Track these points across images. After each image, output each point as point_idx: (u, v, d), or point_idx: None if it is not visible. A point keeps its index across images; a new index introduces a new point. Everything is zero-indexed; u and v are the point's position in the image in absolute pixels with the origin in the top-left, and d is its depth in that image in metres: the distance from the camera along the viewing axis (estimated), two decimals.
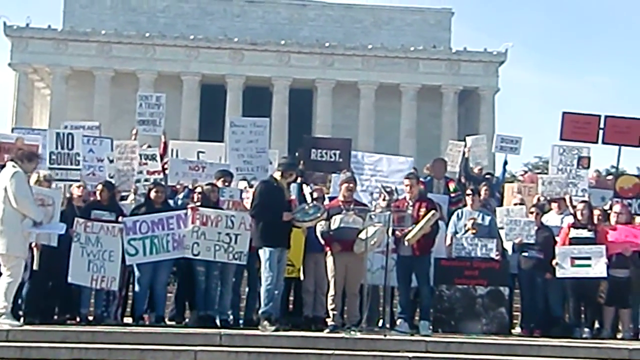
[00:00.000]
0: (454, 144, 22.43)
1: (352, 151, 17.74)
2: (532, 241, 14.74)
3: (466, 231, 14.79)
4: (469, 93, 65.40)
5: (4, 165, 12.79)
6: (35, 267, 12.47)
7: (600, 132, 17.79)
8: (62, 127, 18.85)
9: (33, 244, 12.43)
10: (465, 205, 15.49)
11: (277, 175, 13.50)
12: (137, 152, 16.55)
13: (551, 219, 15.74)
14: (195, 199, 14.35)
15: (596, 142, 17.83)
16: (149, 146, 18.97)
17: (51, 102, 63.16)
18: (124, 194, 16.45)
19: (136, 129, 19.06)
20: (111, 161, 16.97)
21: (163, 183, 15.58)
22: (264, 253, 13.06)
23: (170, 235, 13.62)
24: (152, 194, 14.12)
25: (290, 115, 62.04)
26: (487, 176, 20.45)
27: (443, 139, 57.83)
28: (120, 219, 13.73)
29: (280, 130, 58.84)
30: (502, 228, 15.15)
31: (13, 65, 63.11)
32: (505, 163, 20.80)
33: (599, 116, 17.89)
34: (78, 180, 14.62)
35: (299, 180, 15.80)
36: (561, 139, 17.97)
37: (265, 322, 12.76)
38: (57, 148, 15.57)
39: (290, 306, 14.71)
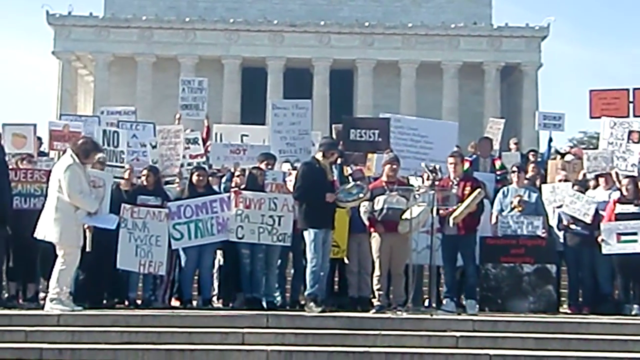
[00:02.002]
0: (494, 121, 22.36)
1: (396, 115, 17.70)
2: (588, 220, 14.55)
3: (512, 209, 14.70)
4: (511, 69, 64.74)
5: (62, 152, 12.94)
6: (88, 248, 12.53)
7: (630, 105, 17.59)
8: (99, 112, 19.03)
9: (86, 226, 12.52)
10: (510, 183, 15.40)
11: (319, 156, 13.50)
12: (182, 136, 16.62)
13: (599, 194, 15.57)
14: (239, 182, 14.40)
15: (627, 117, 17.62)
16: (192, 130, 19.08)
17: (94, 89, 63.67)
18: (169, 178, 16.55)
19: (179, 114, 19.15)
20: (154, 147, 17.08)
21: (205, 167, 15.63)
22: (308, 234, 13.09)
23: (214, 218, 13.69)
24: (194, 178, 14.19)
25: (331, 96, 61.89)
26: (531, 153, 20.30)
27: (486, 116, 57.22)
28: (164, 203, 13.85)
29: (322, 111, 58.67)
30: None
31: (56, 53, 63.62)
32: (550, 140, 20.62)
33: (627, 90, 17.70)
34: (124, 178, 14.76)
35: (339, 160, 15.79)
36: (591, 118, 17.82)
37: (311, 304, 12.80)
38: (103, 145, 15.75)
39: (336, 287, 14.73)
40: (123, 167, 15.36)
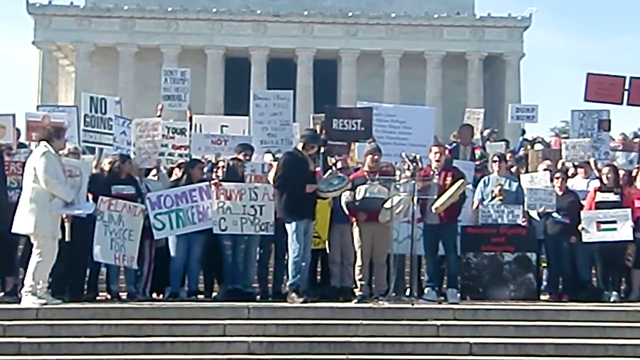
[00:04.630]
0: (472, 111, 22.43)
1: (373, 103, 17.82)
2: (553, 210, 14.63)
3: (493, 198, 14.72)
4: (493, 59, 64.90)
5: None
6: (67, 238, 12.39)
7: (625, 93, 17.58)
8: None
9: (64, 216, 12.39)
10: (490, 172, 15.42)
11: (300, 147, 13.48)
12: (160, 129, 16.48)
13: (577, 183, 15.65)
14: (219, 173, 14.37)
15: (621, 104, 17.62)
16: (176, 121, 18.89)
17: (76, 79, 63.28)
18: (148, 167, 16.37)
19: (162, 105, 19.05)
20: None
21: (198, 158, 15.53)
22: (290, 225, 13.07)
23: (195, 207, 13.72)
24: (193, 170, 14.19)
25: (315, 86, 61.85)
26: (503, 142, 20.36)
27: (469, 106, 57.20)
28: (146, 195, 13.81)
29: (306, 101, 58.58)
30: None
31: (37, 43, 63.23)
32: (523, 132, 20.69)
33: (624, 77, 17.66)
34: (110, 145, 14.64)
35: (322, 150, 15.77)
36: (585, 100, 17.76)
37: (293, 294, 12.80)
38: (90, 111, 15.59)
39: (318, 277, 14.73)
40: (111, 134, 15.24)
